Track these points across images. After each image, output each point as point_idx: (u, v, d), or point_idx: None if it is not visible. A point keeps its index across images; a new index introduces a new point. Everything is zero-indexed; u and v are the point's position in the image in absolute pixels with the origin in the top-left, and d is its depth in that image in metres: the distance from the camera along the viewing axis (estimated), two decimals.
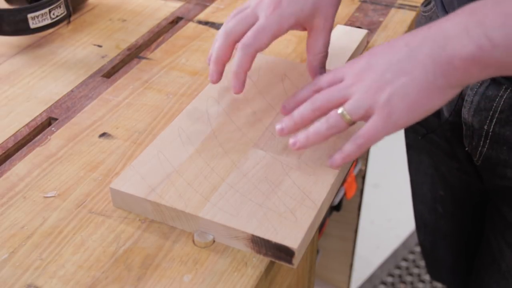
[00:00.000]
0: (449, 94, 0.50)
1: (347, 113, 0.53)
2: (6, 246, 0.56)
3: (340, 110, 0.54)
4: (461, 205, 0.90)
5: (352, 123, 0.54)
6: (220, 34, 0.64)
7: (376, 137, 0.53)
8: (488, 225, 0.81)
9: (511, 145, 0.67)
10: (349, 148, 0.54)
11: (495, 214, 0.77)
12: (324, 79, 0.58)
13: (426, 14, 0.78)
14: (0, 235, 0.58)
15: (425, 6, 0.79)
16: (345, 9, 0.95)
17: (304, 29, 0.65)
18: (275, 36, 0.61)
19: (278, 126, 0.59)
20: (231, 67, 0.62)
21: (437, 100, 0.51)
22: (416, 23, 0.84)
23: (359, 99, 0.53)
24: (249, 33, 0.61)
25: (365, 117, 0.53)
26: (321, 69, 0.66)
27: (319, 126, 0.55)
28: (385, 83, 0.51)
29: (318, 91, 0.58)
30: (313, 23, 0.63)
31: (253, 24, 0.62)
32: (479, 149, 0.71)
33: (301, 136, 0.57)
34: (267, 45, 0.61)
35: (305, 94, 0.59)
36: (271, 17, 0.61)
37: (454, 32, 0.48)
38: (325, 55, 0.65)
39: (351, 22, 0.91)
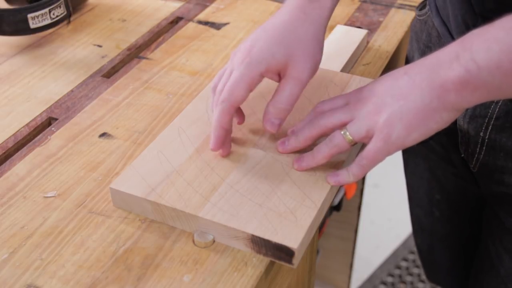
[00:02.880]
0: (445, 118, 0.53)
1: (349, 134, 0.56)
2: (6, 246, 0.56)
3: (343, 131, 0.56)
4: (457, 209, 0.90)
5: (354, 143, 0.57)
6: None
7: (377, 158, 0.55)
8: (485, 230, 0.80)
9: (508, 151, 0.66)
10: (353, 169, 0.57)
11: (492, 220, 0.77)
12: (327, 103, 0.61)
13: (421, 18, 0.78)
14: (0, 235, 0.58)
15: (420, 10, 0.79)
16: (345, 9, 0.95)
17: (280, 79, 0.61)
18: (250, 86, 0.58)
19: (280, 142, 0.62)
20: (212, 123, 0.60)
21: (434, 123, 0.53)
22: (412, 27, 0.84)
23: (360, 120, 0.55)
24: (225, 88, 0.59)
25: (367, 138, 0.56)
26: (276, 120, 0.60)
27: (323, 145, 0.58)
28: (384, 105, 0.54)
29: (321, 113, 0.60)
30: (285, 72, 0.59)
31: None
32: (475, 156, 0.70)
33: (306, 156, 0.59)
34: (244, 97, 0.59)
35: (308, 118, 0.62)
36: (241, 67, 0.58)
37: (446, 58, 0.52)
38: (287, 110, 0.60)
39: (351, 22, 0.91)
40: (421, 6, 0.79)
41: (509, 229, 0.72)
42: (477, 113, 0.67)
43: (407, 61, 0.86)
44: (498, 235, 0.75)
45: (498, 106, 0.65)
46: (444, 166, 0.84)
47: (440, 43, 0.72)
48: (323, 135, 0.59)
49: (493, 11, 0.57)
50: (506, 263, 0.74)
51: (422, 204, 0.95)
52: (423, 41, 0.77)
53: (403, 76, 0.55)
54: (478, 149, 0.69)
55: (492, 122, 0.66)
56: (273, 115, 0.60)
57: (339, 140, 0.57)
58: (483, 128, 0.67)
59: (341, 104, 0.59)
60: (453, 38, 0.68)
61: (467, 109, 0.68)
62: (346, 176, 0.58)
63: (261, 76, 0.59)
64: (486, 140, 0.68)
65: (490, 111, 0.65)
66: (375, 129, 0.54)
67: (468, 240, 0.91)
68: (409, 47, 0.84)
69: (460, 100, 0.51)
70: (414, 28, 0.81)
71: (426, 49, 0.76)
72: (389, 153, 0.55)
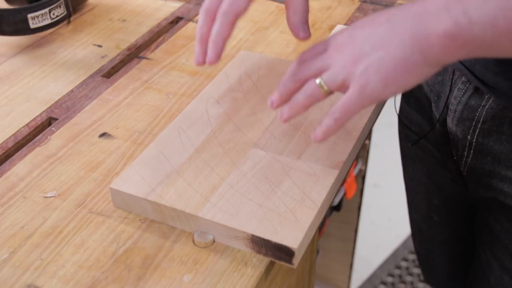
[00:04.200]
0: (425, 72, 0.50)
1: (324, 83, 0.53)
2: (6, 246, 0.56)
3: (318, 80, 0.53)
4: (456, 214, 0.89)
5: (329, 93, 0.54)
6: (199, 14, 0.61)
7: (351, 110, 0.52)
8: (477, 238, 0.79)
9: (495, 156, 0.65)
10: (326, 122, 0.54)
11: (483, 227, 0.75)
12: (308, 52, 0.57)
13: None
14: (0, 235, 0.58)
15: None
16: (345, 9, 0.95)
17: None
18: None
19: (269, 101, 0.58)
20: (211, 36, 0.59)
21: (412, 77, 0.50)
22: None
23: (336, 70, 0.52)
24: (226, 0, 0.58)
25: (342, 88, 0.53)
26: (303, 24, 0.60)
27: (298, 96, 0.55)
28: (362, 55, 0.51)
29: (303, 63, 0.57)
30: None
31: None
32: (464, 159, 0.70)
33: (284, 108, 0.56)
34: (245, 9, 0.58)
35: (290, 70, 0.58)
36: None
37: (434, 8, 0.47)
38: (305, 10, 0.60)
39: (351, 22, 0.91)
40: None
41: (498, 236, 0.71)
42: (465, 116, 0.66)
43: None
44: (488, 242, 0.74)
45: (485, 110, 0.64)
46: (441, 171, 0.83)
47: None
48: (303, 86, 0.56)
49: None
50: (495, 271, 0.73)
51: (420, 209, 0.95)
52: None
53: (384, 22, 0.51)
54: (466, 153, 0.68)
55: (479, 125, 0.65)
56: (297, 17, 0.60)
57: (313, 90, 0.53)
58: (471, 131, 0.66)
59: (320, 50, 0.56)
60: None
61: (455, 112, 0.68)
62: (319, 130, 0.54)
63: None
64: (474, 144, 0.67)
65: (477, 114, 0.65)
66: (351, 79, 0.51)
67: (467, 245, 0.91)
68: None
69: (444, 56, 0.48)
70: None
71: None
72: (363, 106, 0.52)
